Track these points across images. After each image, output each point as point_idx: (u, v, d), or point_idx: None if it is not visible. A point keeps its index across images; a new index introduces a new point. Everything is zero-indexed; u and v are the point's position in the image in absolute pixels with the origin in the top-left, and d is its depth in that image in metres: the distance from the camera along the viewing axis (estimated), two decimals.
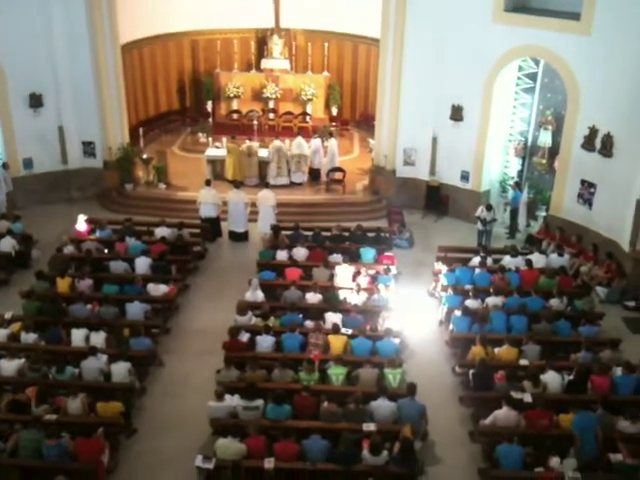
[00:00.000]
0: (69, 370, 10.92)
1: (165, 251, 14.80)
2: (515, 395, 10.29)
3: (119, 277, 13.97)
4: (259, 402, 10.13)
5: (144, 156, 19.65)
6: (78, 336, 11.80)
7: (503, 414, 9.99)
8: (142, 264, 14.31)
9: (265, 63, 23.45)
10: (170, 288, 13.71)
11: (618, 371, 11.06)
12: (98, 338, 11.71)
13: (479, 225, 16.74)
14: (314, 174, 19.89)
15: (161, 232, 15.70)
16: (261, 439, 9.43)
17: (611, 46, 14.74)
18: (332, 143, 19.92)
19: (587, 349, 11.59)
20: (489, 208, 16.65)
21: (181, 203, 18.32)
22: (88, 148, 18.93)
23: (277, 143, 19.33)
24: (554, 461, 9.25)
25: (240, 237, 17.08)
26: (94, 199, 18.92)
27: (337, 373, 10.86)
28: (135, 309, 12.75)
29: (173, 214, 17.25)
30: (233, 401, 10.20)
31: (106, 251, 15.27)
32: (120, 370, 10.90)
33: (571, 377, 10.91)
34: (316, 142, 19.83)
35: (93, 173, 19.01)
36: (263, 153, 19.43)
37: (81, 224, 16.06)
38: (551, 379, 10.83)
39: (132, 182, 19.21)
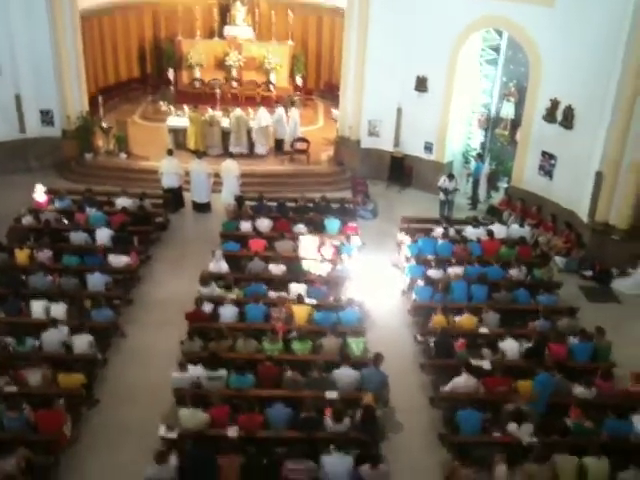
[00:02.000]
0: (29, 342, 10.77)
1: (126, 222, 14.59)
2: (474, 362, 10.50)
3: (79, 248, 13.75)
4: (222, 372, 10.15)
5: (104, 125, 19.22)
6: (38, 307, 11.62)
7: (462, 381, 10.18)
8: (103, 235, 14.10)
9: (228, 30, 23.05)
10: (132, 259, 13.56)
11: (574, 339, 11.35)
12: (59, 309, 11.55)
13: (441, 195, 16.91)
14: (278, 144, 19.73)
15: (122, 202, 15.46)
16: (225, 408, 9.46)
17: (573, 18, 14.84)
18: (294, 113, 19.76)
19: (545, 317, 11.86)
20: (451, 177, 16.80)
21: (142, 173, 18.02)
22: (46, 117, 18.45)
23: (238, 112, 19.10)
24: (511, 426, 9.48)
25: (203, 208, 16.92)
26: (53, 168, 18.50)
27: (302, 348, 10.91)
28: (96, 280, 12.58)
29: (134, 184, 16.97)
30: (196, 371, 10.18)
31: (66, 222, 14.98)
32: (82, 342, 10.79)
33: (529, 344, 11.17)
34: (279, 112, 19.64)
35: (51, 142, 18.56)
36: (226, 122, 19.19)
37: (40, 194, 15.72)
38: (509, 346, 11.08)
39: (92, 151, 18.81)
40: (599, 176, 14.74)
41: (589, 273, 14.73)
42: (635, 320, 13.64)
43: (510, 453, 8.88)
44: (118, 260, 13.39)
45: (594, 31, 14.53)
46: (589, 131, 15.06)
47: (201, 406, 9.43)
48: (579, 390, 10.11)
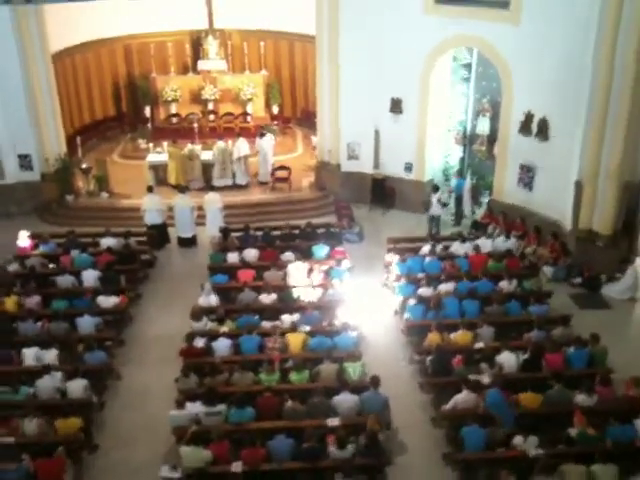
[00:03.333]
0: (24, 390, 10.60)
1: (112, 261, 14.49)
2: (473, 377, 10.50)
3: (67, 291, 13.60)
4: (221, 407, 10.04)
5: (83, 166, 19.17)
6: (30, 355, 11.44)
7: (463, 397, 10.18)
8: (89, 276, 13.99)
9: (202, 65, 23.19)
10: (121, 299, 13.45)
11: (570, 347, 11.41)
12: (50, 355, 11.39)
13: (434, 208, 16.86)
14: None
15: (107, 242, 15.37)
16: (225, 444, 9.35)
17: (539, 33, 15.12)
18: (266, 142, 19.73)
19: (539, 327, 11.92)
20: (436, 189, 16.89)
21: (125, 211, 17.97)
22: (24, 161, 18.38)
23: (221, 144, 19.16)
24: (517, 439, 9.46)
25: (189, 242, 16.87)
26: (34, 213, 18.38)
27: (300, 378, 10.84)
28: (86, 323, 12.44)
29: (118, 223, 16.88)
30: (195, 408, 10.07)
31: (51, 265, 14.85)
32: (76, 386, 10.62)
33: (526, 356, 11.21)
34: (260, 142, 19.72)
35: (31, 186, 18.45)
36: (206, 155, 19.24)
37: (23, 240, 15.59)
38: (506, 359, 11.10)
39: (72, 193, 18.72)
40: (578, 185, 14.95)
41: (578, 280, 14.84)
42: (627, 324, 13.80)
43: (517, 468, 8.85)
44: (107, 301, 13.27)
45: (559, 44, 14.82)
46: (565, 142, 15.30)
47: (202, 443, 9.32)
48: (580, 398, 10.13)
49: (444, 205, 17.04)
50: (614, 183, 14.41)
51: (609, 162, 14.35)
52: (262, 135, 19.89)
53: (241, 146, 19.21)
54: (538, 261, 15.25)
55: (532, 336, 11.83)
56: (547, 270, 15.10)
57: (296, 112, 24.06)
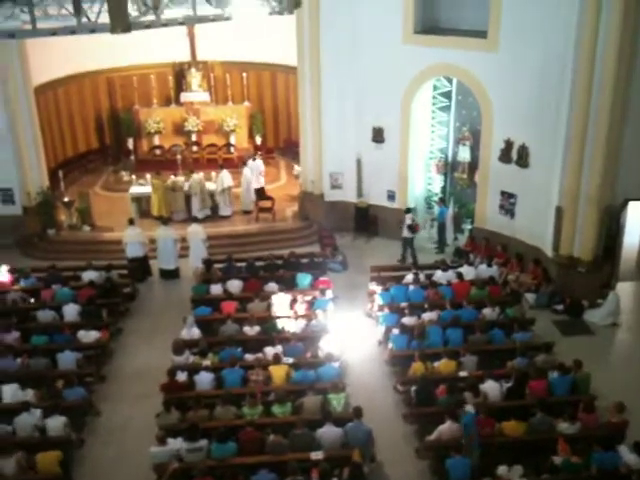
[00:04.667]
0: (1, 428, 10.40)
1: (94, 295, 14.36)
2: (457, 408, 10.43)
3: (47, 326, 13.43)
4: (203, 442, 9.89)
5: (65, 199, 19.09)
6: (9, 392, 11.25)
7: (447, 428, 10.09)
8: (70, 311, 13.84)
9: (184, 96, 23.38)
10: (102, 333, 13.31)
11: (554, 374, 11.39)
12: (30, 392, 11.21)
13: (403, 233, 17.08)
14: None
15: (88, 276, 15.25)
16: None
17: (517, 61, 15.37)
18: (246, 171, 19.89)
19: (522, 354, 11.90)
20: (407, 211, 17.07)
21: (108, 244, 17.88)
22: (6, 195, 18.33)
23: (196, 176, 19.24)
24: (501, 469, 9.39)
25: (171, 274, 16.77)
26: (15, 247, 18.21)
27: (282, 411, 10.72)
28: (66, 358, 12.27)
29: (101, 256, 16.79)
30: (176, 444, 9.91)
31: (32, 300, 14.70)
32: (55, 423, 10.43)
33: (509, 384, 11.17)
34: (245, 171, 19.84)
35: (13, 220, 18.34)
36: (187, 187, 19.26)
37: (3, 274, 15.44)
38: (490, 388, 11.05)
39: (54, 227, 18.62)
40: (559, 211, 15.06)
41: (560, 307, 14.87)
42: (610, 350, 13.83)
43: None
44: (88, 335, 13.12)
45: (536, 71, 15.03)
46: (545, 168, 15.45)
47: None
48: (564, 426, 10.09)
49: (411, 228, 17.07)
50: (594, 207, 14.52)
51: (589, 187, 14.48)
52: (249, 159, 20.13)
53: (224, 177, 19.26)
54: (520, 288, 15.29)
55: (515, 363, 11.80)
56: (529, 297, 15.13)
57: (279, 142, 24.23)
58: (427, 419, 10.73)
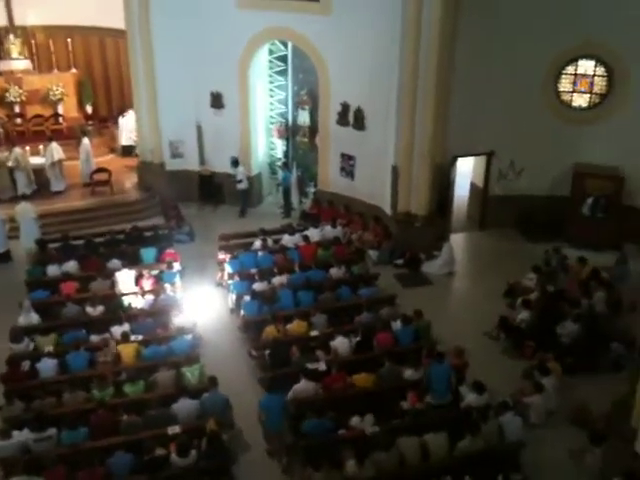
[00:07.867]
0: None
1: None
2: (310, 366, 10.71)
3: None
4: (51, 431, 9.38)
5: None
6: None
7: (302, 387, 10.31)
8: None
9: (3, 65, 21.53)
10: None
11: (397, 324, 12.02)
12: None
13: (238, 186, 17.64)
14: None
15: None
16: (60, 469, 8.75)
17: (350, 24, 15.67)
18: (85, 143, 18.87)
19: (368, 309, 12.41)
20: (235, 164, 17.57)
21: None
22: None
23: (18, 150, 17.85)
24: (354, 420, 9.81)
25: (2, 258, 15.53)
26: None
27: (135, 390, 10.43)
28: None
29: None
30: (22, 436, 9.33)
31: None
32: None
33: (358, 338, 11.63)
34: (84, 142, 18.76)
35: None
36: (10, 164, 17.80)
37: None
38: (340, 344, 11.43)
39: None
40: (395, 170, 15.76)
41: (400, 261, 15.64)
42: (447, 297, 14.85)
43: (357, 447, 9.15)
44: None
45: (371, 35, 15.43)
46: (380, 130, 16.04)
47: (35, 472, 8.64)
48: (409, 372, 10.71)
49: (238, 181, 17.69)
50: (426, 165, 15.32)
51: (421, 147, 15.24)
52: (84, 133, 19.08)
53: (54, 150, 18.02)
54: (363, 246, 15.90)
55: (362, 318, 12.30)
56: (372, 254, 15.77)
57: (112, 110, 23.00)
58: (283, 381, 10.90)
